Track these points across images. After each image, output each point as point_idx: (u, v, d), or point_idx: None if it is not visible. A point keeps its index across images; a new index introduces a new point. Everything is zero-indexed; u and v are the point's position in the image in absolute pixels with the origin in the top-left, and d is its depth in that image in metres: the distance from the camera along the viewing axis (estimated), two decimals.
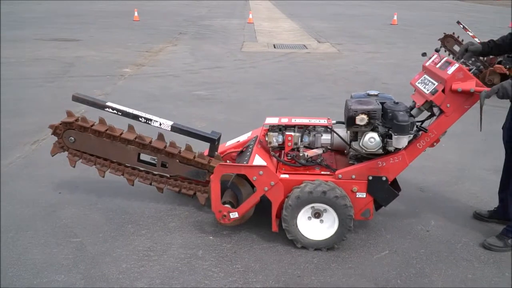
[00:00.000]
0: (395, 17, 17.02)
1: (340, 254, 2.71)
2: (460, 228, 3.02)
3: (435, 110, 2.75)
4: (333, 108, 5.92)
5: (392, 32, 14.65)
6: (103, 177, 3.12)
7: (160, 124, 2.94)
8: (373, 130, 2.66)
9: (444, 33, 7.23)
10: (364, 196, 2.74)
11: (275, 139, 2.92)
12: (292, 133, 2.89)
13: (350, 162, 2.86)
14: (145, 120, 2.95)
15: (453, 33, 7.18)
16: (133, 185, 3.13)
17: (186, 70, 8.21)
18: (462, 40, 7.10)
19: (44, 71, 7.66)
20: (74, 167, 3.13)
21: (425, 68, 2.94)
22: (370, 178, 2.70)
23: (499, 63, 6.76)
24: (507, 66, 6.62)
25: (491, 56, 6.95)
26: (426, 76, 2.86)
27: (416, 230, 2.98)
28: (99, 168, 3.08)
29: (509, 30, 12.88)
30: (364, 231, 2.97)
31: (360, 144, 2.68)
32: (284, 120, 2.95)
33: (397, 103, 2.69)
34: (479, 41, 3.05)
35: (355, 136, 2.76)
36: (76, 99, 2.99)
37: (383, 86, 7.33)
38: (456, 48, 7.13)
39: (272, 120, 2.97)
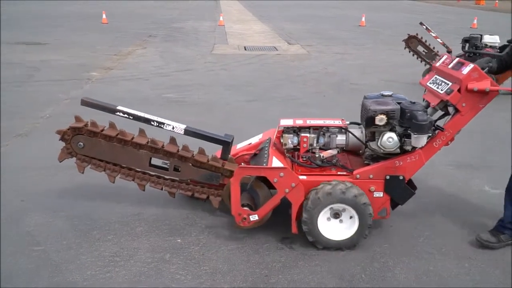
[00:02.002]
0: (363, 19, 17.36)
1: (307, 251, 2.75)
2: (423, 222, 3.11)
3: (450, 109, 2.81)
4: (304, 109, 6.00)
5: (361, 33, 14.93)
6: (113, 182, 3.05)
7: (173, 128, 2.91)
8: (391, 130, 2.70)
9: (408, 34, 7.43)
10: (381, 195, 2.77)
11: (290, 140, 2.94)
12: (308, 135, 2.92)
13: (365, 162, 2.90)
14: (157, 124, 2.90)
15: (417, 34, 7.38)
16: (144, 190, 3.10)
17: (156, 73, 8.14)
18: (426, 41, 7.31)
19: (9, 75, 7.43)
20: (82, 173, 3.05)
21: (435, 69, 3.02)
22: (388, 177, 2.73)
23: None
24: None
25: (453, 56, 7.20)
26: (438, 77, 2.93)
27: (381, 226, 3.06)
28: (109, 173, 3.02)
29: (471, 30, 13.32)
30: None
31: (379, 144, 2.71)
32: (299, 122, 2.97)
33: (414, 102, 2.75)
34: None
35: (372, 136, 2.79)
36: (85, 103, 2.91)
37: (352, 86, 7.47)
38: (420, 48, 7.33)
39: (286, 122, 2.99)
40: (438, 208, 3.33)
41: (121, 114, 2.90)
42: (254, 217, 2.70)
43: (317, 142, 2.92)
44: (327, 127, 2.95)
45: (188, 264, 2.60)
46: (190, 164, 2.95)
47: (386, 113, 2.64)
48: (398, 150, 2.72)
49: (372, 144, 2.78)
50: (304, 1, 29.21)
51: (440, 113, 2.88)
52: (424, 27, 7.60)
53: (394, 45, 10.99)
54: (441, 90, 2.77)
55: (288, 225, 2.93)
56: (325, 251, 2.75)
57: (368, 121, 2.67)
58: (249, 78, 7.94)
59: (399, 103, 2.71)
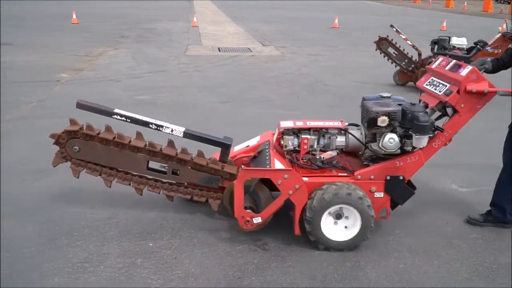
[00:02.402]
0: (336, 21, 17.58)
1: (280, 253, 2.75)
2: (393, 221, 3.15)
3: (449, 110, 2.87)
4: (278, 110, 6.03)
5: (334, 35, 15.11)
6: (110, 187, 2.99)
7: (172, 131, 2.88)
8: (391, 131, 2.73)
9: (379, 36, 7.56)
10: (382, 195, 2.80)
11: (291, 142, 2.95)
12: (308, 136, 2.93)
13: (364, 163, 2.92)
14: (155, 127, 2.86)
15: (387, 36, 7.52)
16: (141, 194, 3.03)
17: (128, 74, 8.01)
18: (396, 43, 7.46)
19: None
20: (78, 177, 2.96)
21: (431, 71, 3.07)
22: (388, 178, 2.77)
23: (430, 63, 7.16)
24: None
25: (422, 58, 7.39)
26: (435, 78, 2.99)
27: None
28: (105, 178, 2.95)
29: (440, 32, 13.63)
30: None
31: (380, 145, 2.74)
32: (299, 124, 2.99)
33: (414, 104, 2.80)
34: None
35: (373, 137, 2.83)
36: (81, 106, 2.83)
37: (325, 87, 7.55)
38: (391, 50, 7.48)
39: (287, 124, 2.99)
40: (408, 207, 3.38)
41: (118, 117, 2.84)
42: (257, 220, 2.69)
43: (318, 143, 2.94)
44: (327, 129, 2.97)
45: (160, 269, 2.56)
46: (189, 167, 2.92)
47: (388, 114, 2.68)
48: (399, 151, 2.76)
49: (373, 145, 2.81)
50: (278, 1, 29.35)
51: (437, 114, 2.94)
52: (394, 29, 7.76)
53: (365, 46, 11.17)
54: (439, 91, 2.83)
55: (263, 227, 2.93)
56: (298, 251, 2.77)
57: (370, 122, 2.70)
58: (223, 80, 7.91)
59: (399, 105, 2.76)
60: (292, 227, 2.78)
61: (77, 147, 2.84)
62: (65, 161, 2.91)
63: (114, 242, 2.81)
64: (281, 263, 2.66)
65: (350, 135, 2.98)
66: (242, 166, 3.06)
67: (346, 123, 3.07)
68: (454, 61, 2.92)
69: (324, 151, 2.95)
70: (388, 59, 7.58)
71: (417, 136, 2.66)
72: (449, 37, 7.27)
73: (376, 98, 2.90)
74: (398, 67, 7.58)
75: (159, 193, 3.02)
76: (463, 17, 26.23)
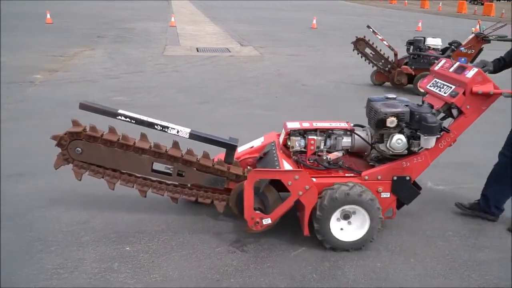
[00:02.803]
0: (315, 21, 17.70)
1: (259, 254, 2.75)
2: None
3: (454, 111, 2.90)
4: (257, 110, 6.03)
5: (312, 35, 15.21)
6: (113, 189, 2.92)
7: (178, 132, 2.84)
8: (399, 132, 2.76)
9: (356, 37, 7.64)
10: (388, 196, 2.82)
11: (298, 143, 2.95)
12: (315, 137, 2.93)
13: (370, 163, 2.94)
14: (161, 128, 2.82)
15: (364, 37, 7.61)
16: (145, 196, 2.98)
17: (105, 75, 7.88)
18: (373, 43, 7.55)
19: None
20: (80, 180, 2.88)
21: (434, 72, 3.13)
22: (395, 178, 2.78)
23: (406, 64, 7.29)
24: (412, 67, 7.17)
25: (398, 58, 7.50)
26: (438, 80, 3.04)
27: None
28: (108, 180, 2.89)
29: (416, 33, 13.85)
30: (282, 229, 3.03)
31: (388, 145, 2.76)
32: (306, 125, 2.99)
33: (420, 105, 2.83)
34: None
35: (381, 138, 2.84)
36: (84, 107, 2.77)
37: (303, 87, 7.59)
38: (368, 50, 7.56)
39: (293, 125, 2.99)
40: None
41: (123, 118, 2.80)
42: (267, 221, 2.68)
43: (324, 144, 2.96)
44: (333, 130, 2.99)
45: (137, 273, 2.52)
46: (195, 169, 2.89)
47: (396, 115, 2.70)
48: (406, 152, 2.78)
49: (381, 146, 2.83)
50: (257, 2, 29.38)
51: (440, 115, 2.98)
52: (371, 30, 7.86)
53: (343, 47, 11.27)
54: (444, 93, 2.88)
55: (240, 228, 2.93)
56: (277, 252, 2.77)
57: (379, 123, 2.72)
58: (201, 80, 7.87)
59: (406, 106, 2.79)
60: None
61: (80, 149, 2.78)
62: (67, 163, 2.84)
63: (90, 247, 2.75)
64: (260, 264, 2.66)
65: (356, 136, 3.00)
66: (248, 167, 3.05)
67: (352, 124, 3.09)
68: (458, 63, 2.97)
69: (330, 152, 2.97)
70: (365, 60, 7.66)
71: (425, 137, 2.68)
72: (424, 38, 7.41)
73: (381, 99, 2.93)
74: (375, 67, 7.67)
75: (163, 195, 2.98)
76: (438, 17, 26.76)
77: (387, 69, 7.52)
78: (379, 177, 2.78)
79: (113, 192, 2.98)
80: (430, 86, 3.09)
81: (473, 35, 7.00)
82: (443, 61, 3.14)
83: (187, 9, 26.24)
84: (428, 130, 2.65)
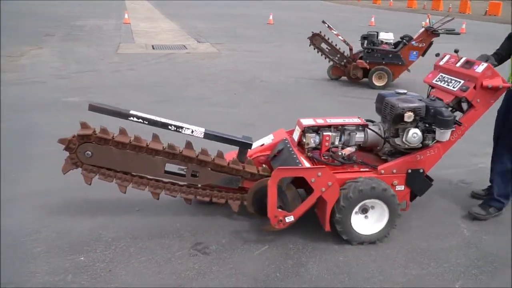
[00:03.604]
0: (271, 17, 17.75)
1: (221, 255, 2.69)
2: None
3: (464, 105, 2.97)
4: (215, 108, 5.94)
5: (269, 31, 15.25)
6: (125, 192, 2.81)
7: (192, 132, 2.80)
8: (414, 126, 2.82)
9: (312, 32, 7.70)
10: (403, 188, 2.87)
11: (313, 140, 2.96)
12: (330, 133, 2.95)
13: (383, 158, 3.01)
14: (175, 128, 2.78)
15: (320, 32, 7.68)
16: (158, 199, 2.90)
17: (54, 75, 7.52)
18: (328, 38, 7.64)
19: None
20: (90, 184, 2.76)
21: (440, 67, 3.22)
22: (409, 171, 2.85)
23: (361, 58, 7.43)
24: (367, 61, 7.31)
25: (353, 52, 7.62)
26: (445, 75, 3.12)
27: (293, 224, 3.09)
28: (119, 183, 2.79)
29: (369, 28, 14.13)
30: (244, 229, 2.99)
31: (404, 139, 2.82)
32: (320, 121, 3.01)
33: (434, 100, 2.88)
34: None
35: (396, 133, 2.89)
36: (94, 108, 2.68)
37: (261, 84, 7.57)
38: (324, 45, 7.64)
39: (308, 122, 3.00)
40: None
41: (135, 119, 2.72)
42: (289, 218, 2.68)
43: (340, 140, 2.99)
44: (347, 125, 3.02)
45: (94, 284, 2.40)
46: (209, 169, 2.84)
47: (413, 110, 2.75)
48: (421, 145, 2.84)
49: (397, 140, 2.88)
50: (214, 0, 29.14)
51: None
52: (326, 25, 7.94)
53: (300, 42, 11.35)
54: (453, 87, 2.97)
55: (203, 229, 2.86)
56: (239, 253, 2.72)
57: (397, 118, 2.77)
58: (158, 78, 7.68)
59: (420, 100, 2.85)
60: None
61: (89, 152, 2.67)
62: (76, 167, 2.72)
63: (41, 259, 2.59)
64: (223, 266, 2.60)
65: (368, 131, 3.04)
66: (264, 165, 3.04)
67: (364, 119, 3.13)
68: (464, 58, 3.05)
69: (343, 148, 3.00)
70: (321, 55, 7.74)
71: (441, 130, 2.74)
72: (377, 32, 7.57)
73: (393, 94, 2.99)
74: (331, 62, 7.77)
75: (175, 197, 2.93)
76: (390, 13, 27.57)
77: (343, 63, 7.63)
78: (395, 171, 2.85)
79: (65, 198, 2.84)
80: (436, 80, 3.18)
81: (423, 29, 7.20)
82: (447, 56, 3.24)
83: (141, 5, 25.60)
84: (444, 123, 2.71)
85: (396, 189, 2.84)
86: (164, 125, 2.77)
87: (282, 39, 13.37)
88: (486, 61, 3.14)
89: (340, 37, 7.66)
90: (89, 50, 10.10)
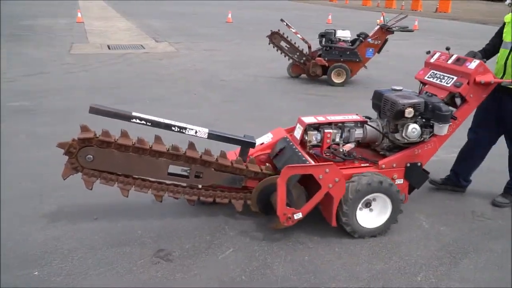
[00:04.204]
0: (230, 16, 17.67)
1: (184, 261, 2.62)
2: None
3: (457, 100, 3.09)
4: (175, 109, 5.81)
5: (228, 30, 15.17)
6: (127, 196, 2.76)
7: (196, 132, 2.80)
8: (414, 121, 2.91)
9: (271, 31, 7.71)
10: (402, 182, 2.97)
11: (315, 137, 3.01)
12: (331, 130, 3.00)
13: (381, 153, 3.11)
14: (178, 129, 2.77)
15: (279, 30, 7.69)
16: (161, 201, 2.88)
17: None
18: (287, 37, 7.66)
19: None
20: (91, 189, 2.70)
21: (431, 65, 3.33)
22: (408, 165, 2.95)
23: (319, 56, 7.51)
24: (326, 58, 7.39)
25: (312, 50, 7.69)
26: (437, 72, 3.23)
27: (258, 223, 3.07)
28: (121, 187, 2.74)
29: (326, 26, 14.36)
30: (208, 232, 2.93)
31: (403, 134, 2.91)
32: (321, 119, 3.06)
33: (431, 96, 3.02)
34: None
35: (395, 128, 2.98)
36: (95, 111, 2.60)
37: (221, 83, 7.50)
38: (283, 44, 7.66)
39: (309, 120, 3.04)
40: None
41: (138, 120, 2.69)
42: (298, 216, 2.70)
43: (341, 137, 3.04)
44: (347, 122, 3.07)
45: None
46: (213, 169, 2.84)
47: (413, 106, 2.83)
48: (420, 140, 2.94)
49: (397, 135, 2.98)
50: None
51: None
52: (285, 23, 7.96)
53: (259, 40, 11.35)
54: (447, 83, 3.08)
55: (165, 235, 2.78)
56: (203, 257, 2.66)
57: (398, 114, 2.84)
58: (114, 79, 7.44)
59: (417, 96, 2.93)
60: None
61: (91, 156, 2.60)
62: (76, 172, 2.65)
63: None
64: (187, 272, 2.53)
65: (367, 127, 3.09)
66: (267, 164, 3.06)
67: (364, 116, 3.19)
68: (455, 55, 3.17)
69: (344, 144, 3.07)
70: (281, 53, 7.76)
71: (440, 125, 2.85)
72: (335, 30, 7.68)
73: (389, 91, 3.06)
74: (291, 60, 7.80)
75: (177, 198, 2.93)
76: (346, 10, 28.15)
77: (302, 61, 7.69)
78: (394, 165, 2.93)
79: (16, 209, 2.66)
80: (428, 77, 3.28)
81: (378, 26, 7.37)
82: (438, 53, 3.34)
83: (94, 4, 24.82)
84: (443, 118, 2.83)
85: (396, 182, 2.94)
86: (168, 126, 2.75)
87: (241, 37, 13.33)
88: (473, 57, 3.27)
89: (298, 35, 7.70)
90: (39, 51, 9.65)
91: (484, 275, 2.59)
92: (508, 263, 2.72)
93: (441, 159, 4.06)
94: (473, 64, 3.01)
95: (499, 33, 3.36)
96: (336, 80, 7.50)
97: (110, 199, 3.22)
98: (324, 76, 7.60)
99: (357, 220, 2.83)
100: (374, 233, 2.92)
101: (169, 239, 2.83)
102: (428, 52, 3.46)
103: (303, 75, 8.00)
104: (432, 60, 3.37)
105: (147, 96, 6.42)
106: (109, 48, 10.61)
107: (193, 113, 5.67)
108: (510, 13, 3.23)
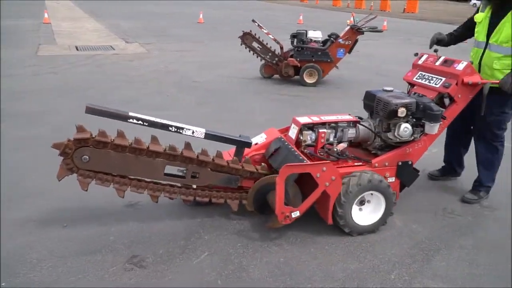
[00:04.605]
0: (201, 16, 17.56)
1: (158, 267, 2.57)
2: (269, 216, 3.19)
3: (446, 100, 3.20)
4: (148, 111, 5.67)
5: (199, 30, 15.07)
6: (123, 197, 2.73)
7: (193, 132, 2.80)
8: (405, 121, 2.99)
9: (243, 31, 7.69)
10: (393, 180, 3.05)
11: (309, 137, 3.06)
12: (325, 130, 3.05)
13: (373, 152, 3.17)
14: (175, 129, 2.75)
15: (251, 31, 7.69)
16: (157, 202, 2.84)
17: None
18: (259, 37, 7.67)
19: None
20: (87, 190, 2.63)
21: (419, 66, 3.44)
22: (399, 163, 3.03)
23: (291, 56, 7.55)
24: (298, 59, 7.44)
25: (284, 51, 7.73)
26: (425, 73, 3.35)
27: (232, 225, 3.05)
28: (117, 188, 2.70)
29: (298, 26, 14.47)
30: (183, 236, 2.89)
31: (396, 133, 3.00)
32: (315, 119, 3.11)
33: (421, 96, 3.13)
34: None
35: (388, 128, 3.06)
36: (92, 110, 2.53)
37: (193, 84, 7.43)
38: (255, 44, 7.66)
39: (304, 120, 3.09)
40: None
41: (135, 121, 2.66)
42: (295, 214, 2.73)
43: (335, 137, 3.10)
44: (341, 122, 3.14)
45: None
46: (209, 169, 2.84)
47: (405, 105, 2.90)
48: (411, 139, 3.01)
49: (389, 134, 3.05)
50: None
51: None
52: (256, 24, 7.97)
53: (232, 41, 11.33)
54: (435, 84, 3.19)
55: (138, 240, 2.73)
56: (178, 262, 2.62)
57: (391, 113, 2.92)
58: (84, 81, 7.26)
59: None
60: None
61: (87, 157, 2.56)
62: (71, 173, 2.59)
63: None
64: (161, 278, 2.48)
65: (360, 127, 3.16)
66: (263, 164, 3.07)
67: (356, 116, 3.26)
68: (443, 57, 3.27)
69: (337, 144, 3.12)
70: (253, 53, 7.76)
71: (431, 124, 2.94)
72: (306, 31, 7.74)
73: (381, 91, 3.13)
74: (263, 61, 7.81)
75: (173, 199, 2.92)
76: (317, 11, 28.45)
77: (274, 62, 7.71)
78: (387, 164, 3.01)
79: None
80: (417, 78, 3.37)
81: (348, 27, 7.47)
82: (425, 55, 3.43)
83: (62, 4, 24.20)
84: (434, 117, 2.92)
85: (388, 181, 3.00)
86: (164, 126, 2.73)
87: (213, 38, 13.27)
88: (436, 39, 3.50)
89: (270, 35, 7.72)
90: (5, 53, 9.32)
91: (456, 271, 2.65)
92: (478, 259, 2.79)
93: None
94: (461, 65, 3.12)
95: (466, 26, 3.55)
96: (308, 80, 7.55)
97: (81, 204, 3.14)
98: (297, 77, 7.64)
99: (352, 218, 2.87)
100: (367, 231, 2.98)
101: (142, 245, 2.77)
102: (416, 54, 3.55)
103: (276, 76, 8.03)
104: (420, 62, 3.46)
105: (117, 98, 6.29)
106: (77, 50, 10.36)
107: (165, 114, 5.54)
108: (480, 13, 3.32)
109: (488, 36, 3.22)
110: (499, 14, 3.15)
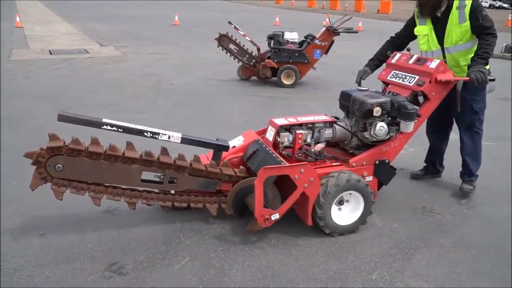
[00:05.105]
0: (176, 18, 17.43)
1: (139, 274, 2.52)
2: (250, 218, 3.18)
3: (420, 98, 3.22)
4: (124, 115, 5.62)
5: (175, 32, 14.96)
6: (99, 205, 2.70)
7: (169, 137, 2.77)
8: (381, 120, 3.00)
9: (219, 33, 7.67)
10: (371, 179, 3.05)
11: (287, 138, 3.05)
12: (302, 131, 3.04)
13: (350, 151, 3.18)
14: (151, 135, 2.72)
15: (227, 33, 7.67)
16: (134, 209, 2.82)
17: None
18: (236, 39, 7.66)
19: None
20: (61, 199, 2.59)
21: (392, 65, 3.44)
22: (377, 162, 3.03)
23: (268, 58, 7.57)
24: (275, 60, 7.46)
25: (261, 52, 7.74)
26: (398, 72, 3.35)
27: (213, 229, 3.02)
28: (93, 196, 2.66)
29: (274, 28, 14.49)
30: (163, 241, 2.85)
31: (372, 133, 3.00)
32: (292, 120, 3.11)
33: (396, 95, 3.15)
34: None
35: (364, 127, 3.05)
36: (64, 118, 2.51)
37: (171, 87, 7.37)
38: (232, 46, 7.65)
39: (281, 121, 3.08)
40: None
41: (109, 127, 2.61)
42: (275, 216, 2.71)
43: (312, 137, 3.08)
44: (317, 123, 3.13)
45: None
46: (187, 174, 2.81)
47: (381, 105, 2.92)
48: (387, 137, 3.03)
49: (365, 134, 3.05)
50: (113, 0, 27.82)
51: None
52: (233, 26, 7.96)
53: (208, 43, 11.28)
54: (409, 82, 3.21)
55: (118, 247, 2.68)
56: (158, 269, 2.58)
57: (366, 113, 2.92)
58: (58, 86, 7.12)
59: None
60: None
61: (61, 165, 2.50)
62: (45, 182, 2.54)
63: None
64: (142, 284, 2.44)
65: (336, 127, 3.16)
66: (241, 167, 3.05)
67: (332, 116, 3.28)
68: (416, 55, 3.30)
69: (315, 144, 3.12)
70: (230, 55, 7.74)
71: (406, 123, 2.97)
72: (283, 32, 7.77)
73: (356, 91, 3.15)
74: (240, 63, 7.81)
75: (150, 205, 2.90)
76: (292, 12, 28.63)
77: (252, 63, 7.71)
78: (364, 163, 3.02)
79: None
80: (391, 77, 3.38)
81: (324, 28, 7.54)
82: (398, 54, 3.44)
83: (34, 7, 23.65)
84: (409, 116, 2.94)
85: (366, 179, 3.01)
86: (140, 132, 2.71)
87: (189, 40, 13.19)
88: (364, 73, 3.57)
89: (247, 37, 7.72)
90: None
91: (436, 270, 2.69)
92: (458, 257, 2.84)
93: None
94: (434, 63, 3.15)
95: (407, 30, 3.61)
96: (286, 81, 7.59)
97: (57, 212, 3.07)
98: (274, 78, 7.67)
99: (332, 218, 2.88)
100: (348, 230, 2.99)
101: (122, 252, 2.72)
102: (390, 53, 3.58)
103: (253, 77, 8.03)
104: (393, 61, 3.48)
105: (92, 102, 6.18)
106: (50, 54, 10.15)
107: (142, 118, 5.51)
108: (421, 26, 3.43)
109: (441, 43, 3.35)
110: (440, 21, 3.31)
